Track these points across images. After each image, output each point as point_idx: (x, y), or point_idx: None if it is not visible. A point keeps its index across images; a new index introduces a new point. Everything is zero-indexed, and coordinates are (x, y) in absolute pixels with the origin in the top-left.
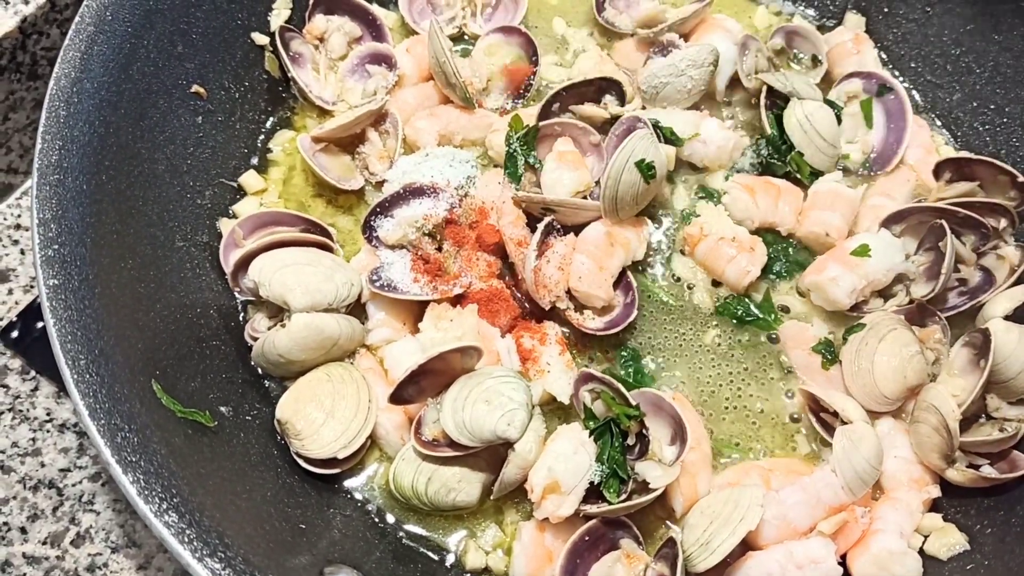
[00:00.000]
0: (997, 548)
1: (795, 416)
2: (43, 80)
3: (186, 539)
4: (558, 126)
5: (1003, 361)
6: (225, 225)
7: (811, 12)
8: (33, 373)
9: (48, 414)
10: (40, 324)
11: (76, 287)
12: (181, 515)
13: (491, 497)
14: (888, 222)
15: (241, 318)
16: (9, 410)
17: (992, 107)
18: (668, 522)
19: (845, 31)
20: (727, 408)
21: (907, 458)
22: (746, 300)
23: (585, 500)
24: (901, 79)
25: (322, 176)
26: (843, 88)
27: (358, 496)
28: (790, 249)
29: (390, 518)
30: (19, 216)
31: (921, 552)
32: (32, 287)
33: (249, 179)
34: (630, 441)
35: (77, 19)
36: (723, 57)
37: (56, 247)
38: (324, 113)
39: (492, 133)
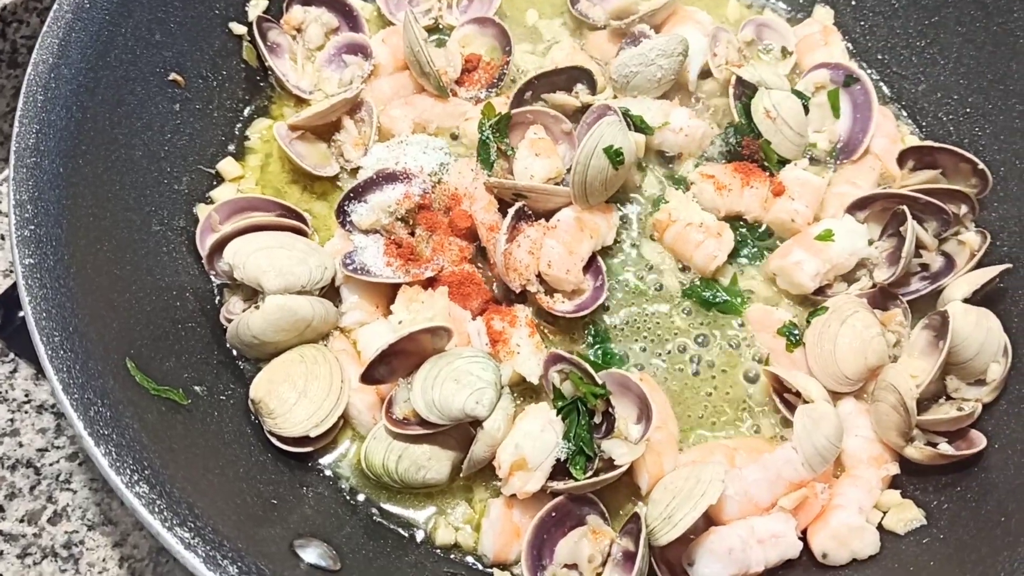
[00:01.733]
0: (953, 522)
1: (760, 397)
2: (23, 68)
3: (156, 509)
4: (530, 114)
5: (961, 343)
6: (202, 210)
7: (782, 5)
8: (12, 356)
9: (26, 395)
10: (21, 313)
11: (51, 267)
12: (152, 486)
13: (460, 475)
14: (853, 208)
15: (217, 301)
16: None
17: (955, 97)
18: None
19: (814, 23)
20: (693, 388)
21: (867, 437)
22: (714, 284)
23: (552, 477)
24: (868, 70)
25: (298, 163)
26: (811, 79)
27: (330, 473)
28: (757, 235)
29: (361, 495)
30: (0, 202)
31: (880, 527)
32: (11, 272)
33: (226, 166)
34: (597, 420)
35: (55, 6)
36: (694, 48)
37: (32, 227)
38: (301, 102)
39: (465, 121)
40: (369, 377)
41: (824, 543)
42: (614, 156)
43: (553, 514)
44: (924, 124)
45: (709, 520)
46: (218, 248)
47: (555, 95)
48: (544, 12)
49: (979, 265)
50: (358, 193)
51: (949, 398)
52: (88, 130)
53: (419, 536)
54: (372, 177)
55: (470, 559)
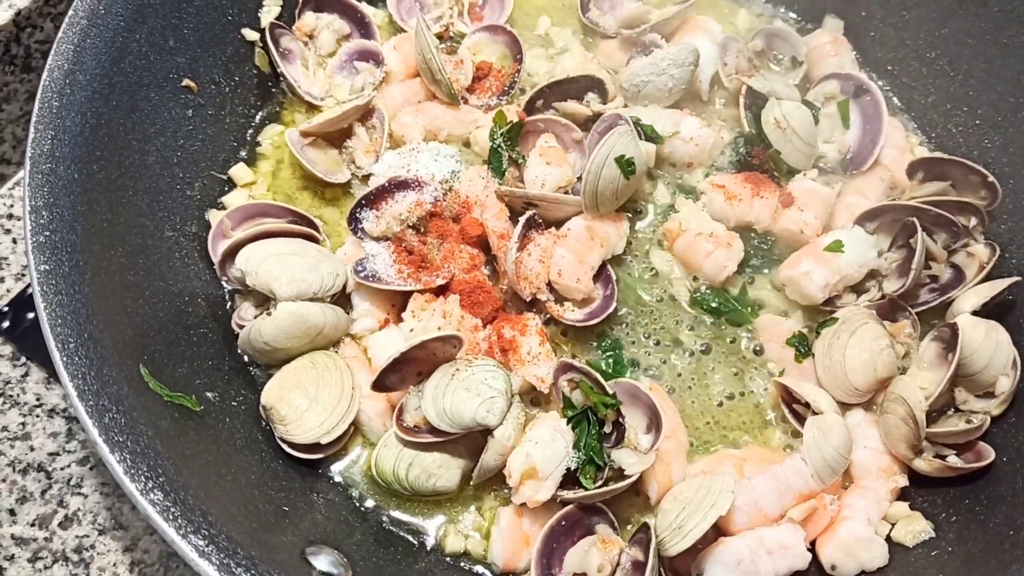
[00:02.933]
0: (961, 535)
1: (769, 407)
2: (36, 73)
3: (171, 516)
4: (541, 123)
5: (970, 355)
6: (214, 216)
7: (792, 15)
8: (23, 359)
9: (38, 399)
10: (31, 315)
11: (66, 273)
12: (166, 493)
13: (470, 483)
14: (862, 219)
15: (228, 307)
16: (0, 395)
17: (965, 109)
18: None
19: (824, 34)
20: (702, 398)
21: (876, 448)
22: (723, 294)
23: (562, 486)
24: (877, 81)
25: (309, 169)
26: (821, 89)
27: (341, 481)
28: (767, 245)
29: (371, 503)
30: (12, 206)
31: (888, 539)
32: (23, 275)
33: (239, 172)
34: (607, 429)
35: (70, 12)
36: (705, 57)
37: (47, 234)
38: (312, 108)
39: (477, 129)
40: (380, 385)
41: (833, 554)
42: (625, 166)
43: (563, 523)
44: (934, 135)
45: (718, 530)
46: (230, 254)
47: (566, 104)
48: (555, 21)
49: (988, 277)
50: (370, 200)
51: (958, 410)
52: (102, 136)
53: (429, 543)
54: (384, 184)
55: (479, 567)
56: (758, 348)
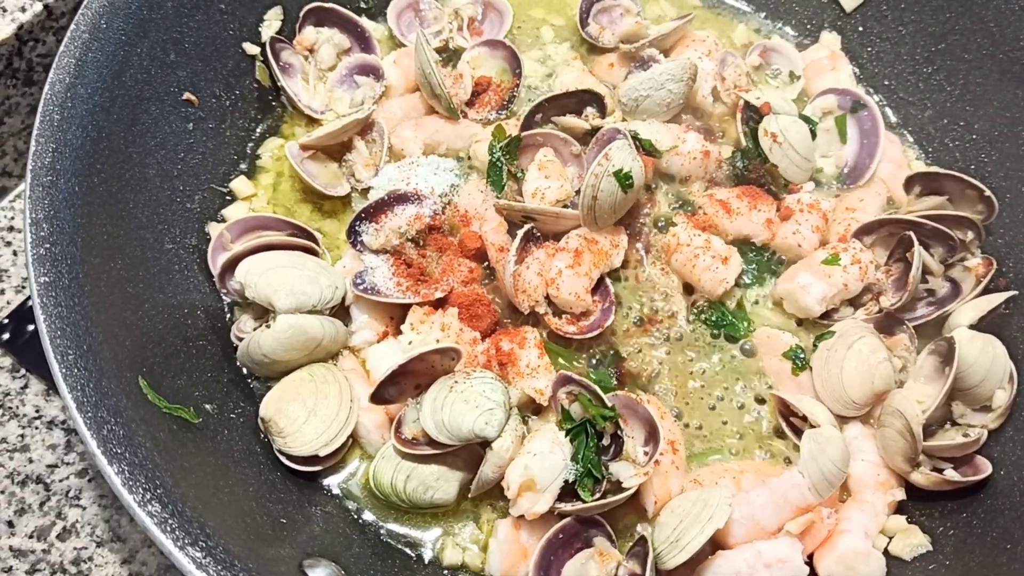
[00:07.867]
0: (958, 549)
1: (767, 420)
2: (38, 86)
3: (168, 528)
4: (540, 137)
5: (967, 369)
6: (214, 229)
7: (789, 30)
8: (23, 371)
9: (37, 411)
10: (31, 327)
11: (66, 285)
12: (164, 505)
13: (469, 495)
14: (859, 233)
15: (228, 319)
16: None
17: (962, 124)
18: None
19: (821, 48)
20: (700, 411)
21: (874, 462)
22: (720, 307)
23: (560, 498)
24: (874, 95)
25: (309, 182)
26: (818, 104)
27: (338, 493)
28: (764, 258)
29: (369, 515)
30: (12, 218)
31: (886, 553)
32: (24, 287)
33: (239, 184)
34: (605, 442)
35: (72, 26)
36: (702, 72)
37: (48, 246)
38: (312, 122)
39: (476, 143)
40: (379, 397)
41: (830, 568)
42: (623, 180)
43: (560, 535)
44: (930, 150)
45: (715, 544)
46: (230, 267)
47: (565, 118)
48: (554, 35)
49: (985, 291)
50: (369, 214)
51: (955, 424)
52: (103, 149)
53: (427, 556)
54: (383, 198)
55: None
56: (756, 362)
